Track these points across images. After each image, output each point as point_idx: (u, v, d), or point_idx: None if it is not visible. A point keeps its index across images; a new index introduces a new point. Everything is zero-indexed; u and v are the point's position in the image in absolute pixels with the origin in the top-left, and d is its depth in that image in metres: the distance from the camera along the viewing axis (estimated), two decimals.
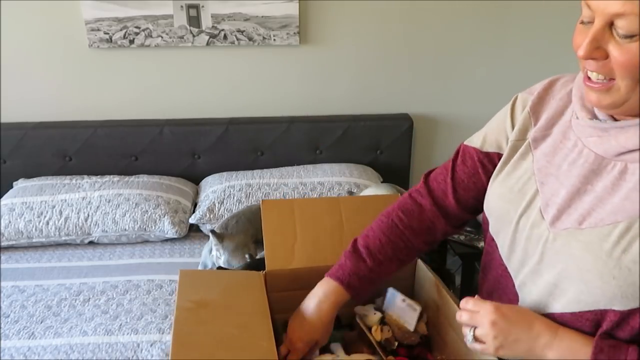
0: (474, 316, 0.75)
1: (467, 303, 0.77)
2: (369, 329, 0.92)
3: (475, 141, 0.90)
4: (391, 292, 0.94)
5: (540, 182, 0.76)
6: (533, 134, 0.80)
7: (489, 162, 0.87)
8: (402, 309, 0.91)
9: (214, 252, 1.61)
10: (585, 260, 0.68)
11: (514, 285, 0.82)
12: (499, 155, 0.86)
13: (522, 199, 0.78)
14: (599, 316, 0.70)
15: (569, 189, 0.72)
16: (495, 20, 2.16)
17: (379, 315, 0.94)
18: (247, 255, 1.64)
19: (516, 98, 0.86)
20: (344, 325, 0.99)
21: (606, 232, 0.67)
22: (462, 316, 0.77)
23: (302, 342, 0.88)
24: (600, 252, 0.67)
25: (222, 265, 1.59)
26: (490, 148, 0.87)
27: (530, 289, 0.78)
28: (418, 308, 0.90)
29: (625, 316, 0.67)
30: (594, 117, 0.71)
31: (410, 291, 1.05)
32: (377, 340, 0.90)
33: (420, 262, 1.01)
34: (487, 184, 0.87)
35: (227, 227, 1.67)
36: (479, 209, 0.91)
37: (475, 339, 0.74)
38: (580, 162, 0.72)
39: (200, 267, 1.69)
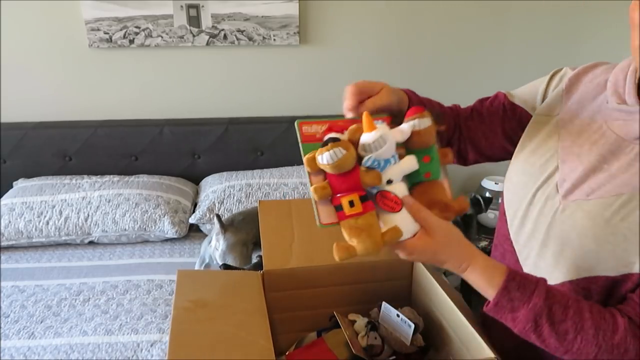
0: (411, 256, 0.71)
1: (406, 247, 0.71)
2: (356, 335, 0.92)
3: (510, 92, 0.94)
4: (386, 307, 0.95)
5: (562, 160, 0.79)
6: (562, 115, 0.83)
7: (510, 109, 0.91)
8: (396, 324, 0.91)
9: (213, 242, 1.62)
10: (585, 227, 0.72)
11: (517, 261, 0.85)
12: (521, 110, 0.90)
13: (541, 174, 0.81)
14: (592, 284, 0.73)
15: (586, 166, 0.75)
16: (495, 20, 2.15)
17: (365, 319, 0.94)
18: (256, 256, 1.64)
19: (560, 69, 0.88)
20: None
21: (609, 202, 0.71)
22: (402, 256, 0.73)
23: (356, 87, 0.78)
24: (600, 220, 0.71)
25: (217, 258, 1.59)
26: (517, 101, 0.91)
27: (536, 261, 0.81)
28: (412, 325, 0.90)
29: (617, 282, 0.71)
30: (624, 102, 0.73)
31: (408, 292, 1.05)
32: (363, 346, 0.90)
33: (418, 262, 1.01)
34: (499, 128, 0.91)
35: (234, 221, 1.69)
36: (480, 147, 0.93)
37: None
38: (601, 143, 0.75)
39: (198, 261, 1.69)
